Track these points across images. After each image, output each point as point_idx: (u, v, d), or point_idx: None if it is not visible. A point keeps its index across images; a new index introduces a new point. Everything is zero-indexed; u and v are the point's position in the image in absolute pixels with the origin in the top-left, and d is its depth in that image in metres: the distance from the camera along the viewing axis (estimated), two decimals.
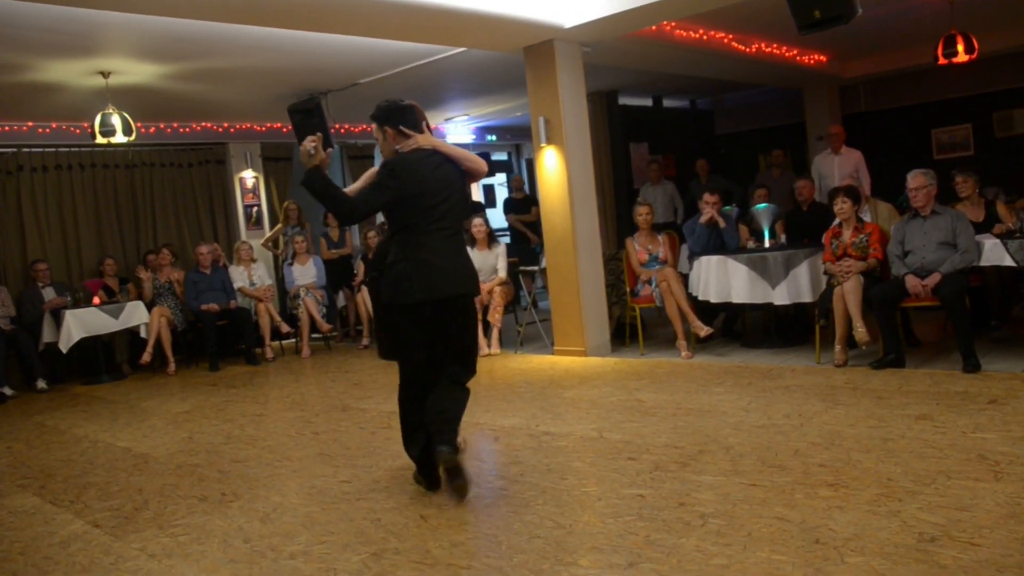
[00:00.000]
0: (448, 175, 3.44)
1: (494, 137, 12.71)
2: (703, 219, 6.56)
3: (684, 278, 6.42)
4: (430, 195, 3.36)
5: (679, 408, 4.64)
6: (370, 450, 4.42)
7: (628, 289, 6.83)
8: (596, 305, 6.83)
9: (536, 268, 7.77)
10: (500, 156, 13.34)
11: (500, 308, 7.34)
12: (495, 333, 7.32)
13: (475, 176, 3.55)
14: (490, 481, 3.65)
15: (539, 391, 5.51)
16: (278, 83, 7.70)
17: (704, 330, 6.12)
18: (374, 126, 3.50)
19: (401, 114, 3.46)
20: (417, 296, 3.31)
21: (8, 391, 7.35)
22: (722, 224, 6.53)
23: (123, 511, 3.76)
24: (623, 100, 10.65)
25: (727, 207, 6.80)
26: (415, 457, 3.54)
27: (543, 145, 6.75)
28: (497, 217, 12.66)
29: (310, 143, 3.26)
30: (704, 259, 6.23)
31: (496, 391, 5.72)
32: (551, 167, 6.77)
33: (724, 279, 6.04)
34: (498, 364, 6.78)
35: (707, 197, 6.64)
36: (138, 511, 3.74)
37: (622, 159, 10.48)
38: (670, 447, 3.88)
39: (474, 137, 12.37)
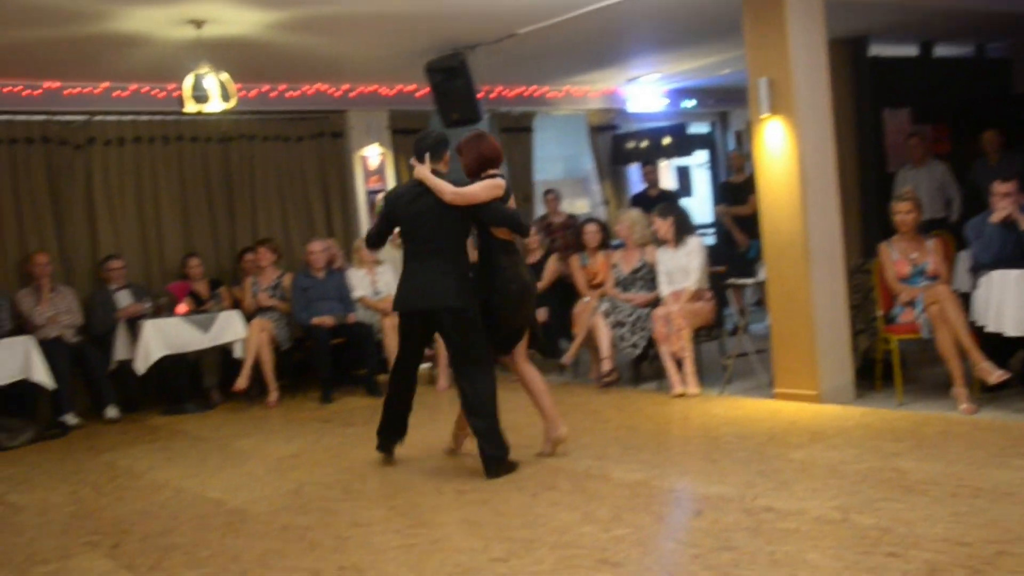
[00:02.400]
0: (426, 204, 5.37)
1: (693, 103, 12.57)
2: (994, 217, 6.31)
3: (964, 299, 6.26)
4: (407, 222, 5.48)
5: (961, 486, 4.43)
6: (531, 519, 4.43)
7: (881, 313, 6.70)
8: (835, 333, 6.67)
9: (750, 281, 7.65)
10: (700, 127, 13.18)
11: (685, 332, 7.23)
12: (688, 366, 7.22)
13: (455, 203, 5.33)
14: (694, 572, 3.58)
15: (755, 449, 5.45)
16: (413, 34, 7.93)
17: (995, 374, 5.95)
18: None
19: (416, 145, 5.56)
20: (395, 307, 5.63)
21: (72, 420, 7.94)
22: (1023, 224, 6.18)
23: None
24: (875, 50, 10.24)
25: None
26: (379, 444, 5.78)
27: (765, 115, 6.65)
28: (703, 208, 12.52)
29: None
30: (996, 274, 6.01)
31: (694, 446, 5.65)
32: (775, 145, 6.65)
33: None
34: (696, 409, 6.71)
35: (999, 186, 6.38)
36: None
37: (871, 132, 10.08)
38: (951, 543, 3.70)
39: (667, 102, 12.28)
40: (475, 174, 5.48)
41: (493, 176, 5.44)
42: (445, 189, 5.32)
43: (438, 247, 5.38)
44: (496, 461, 5.29)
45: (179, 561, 4.27)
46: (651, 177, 10.99)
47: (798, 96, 6.52)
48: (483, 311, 5.41)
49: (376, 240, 5.77)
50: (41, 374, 7.48)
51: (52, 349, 7.79)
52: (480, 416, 5.34)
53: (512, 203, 5.49)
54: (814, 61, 6.64)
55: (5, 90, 8.32)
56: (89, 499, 5.60)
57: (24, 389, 7.60)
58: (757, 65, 6.67)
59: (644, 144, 11.70)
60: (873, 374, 6.87)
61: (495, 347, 5.55)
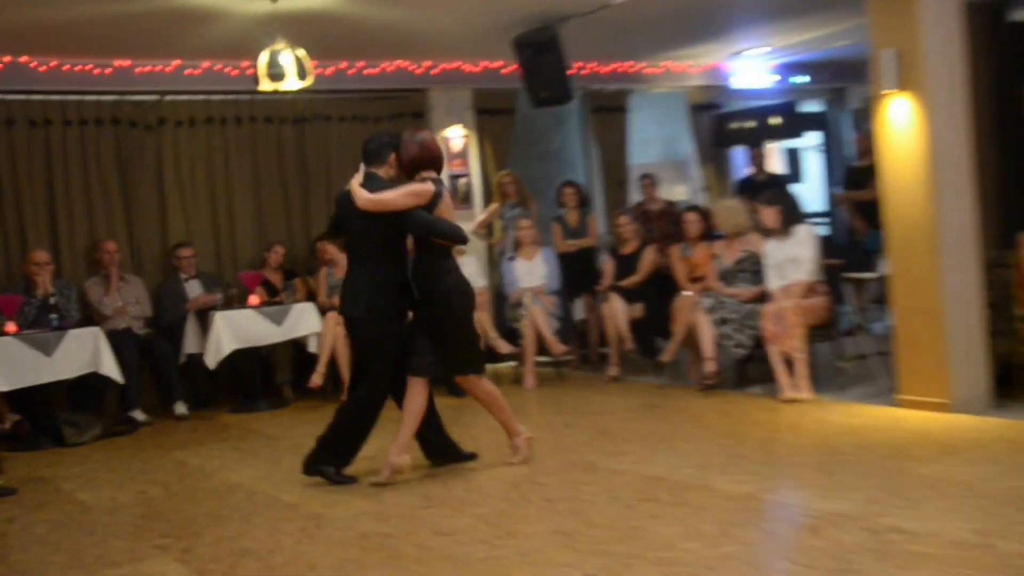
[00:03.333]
0: (355, 210, 5.50)
1: (805, 78, 12.30)
2: None
3: None
4: (345, 226, 5.77)
5: None
6: (629, 532, 4.40)
7: (1022, 312, 6.52)
8: (968, 335, 6.52)
9: (870, 275, 7.48)
10: (812, 106, 12.93)
11: (798, 331, 7.08)
12: (800, 368, 7.08)
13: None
14: None
15: (877, 462, 5.35)
16: (499, 6, 7.92)
17: None
18: None
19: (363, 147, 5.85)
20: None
21: (140, 416, 8.13)
22: None
23: None
24: (1017, 15, 9.88)
25: None
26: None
27: (889, 91, 6.52)
28: (816, 194, 12.28)
29: None
30: None
31: (808, 456, 5.57)
32: (901, 124, 6.53)
33: None
34: (808, 415, 6.60)
35: None
36: None
37: (1012, 109, 9.75)
38: None
39: (777, 78, 12.05)
40: (409, 176, 5.59)
41: (426, 180, 5.54)
42: (359, 195, 5.46)
43: (362, 254, 5.64)
44: (316, 467, 5.61)
45: (252, 568, 4.32)
46: (757, 161, 10.80)
47: (928, 69, 6.38)
48: (425, 323, 5.61)
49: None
50: (110, 367, 7.64)
51: (120, 341, 7.97)
52: (344, 425, 5.63)
53: (446, 208, 5.54)
54: (947, 29, 6.48)
55: (76, 69, 8.53)
56: (159, 499, 5.71)
57: (92, 383, 7.79)
58: (881, 35, 6.53)
59: (750, 124, 11.52)
60: (1013, 381, 6.69)
61: (448, 365, 5.70)
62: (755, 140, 11.23)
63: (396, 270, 5.65)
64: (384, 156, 5.67)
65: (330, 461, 5.62)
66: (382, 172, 5.65)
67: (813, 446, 5.80)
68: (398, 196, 5.45)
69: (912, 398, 6.55)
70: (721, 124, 11.88)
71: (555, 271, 9.01)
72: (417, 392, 5.58)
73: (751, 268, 7.69)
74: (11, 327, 7.36)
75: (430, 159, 5.62)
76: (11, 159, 8.45)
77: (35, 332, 7.46)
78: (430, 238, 5.52)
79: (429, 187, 5.48)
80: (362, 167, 5.66)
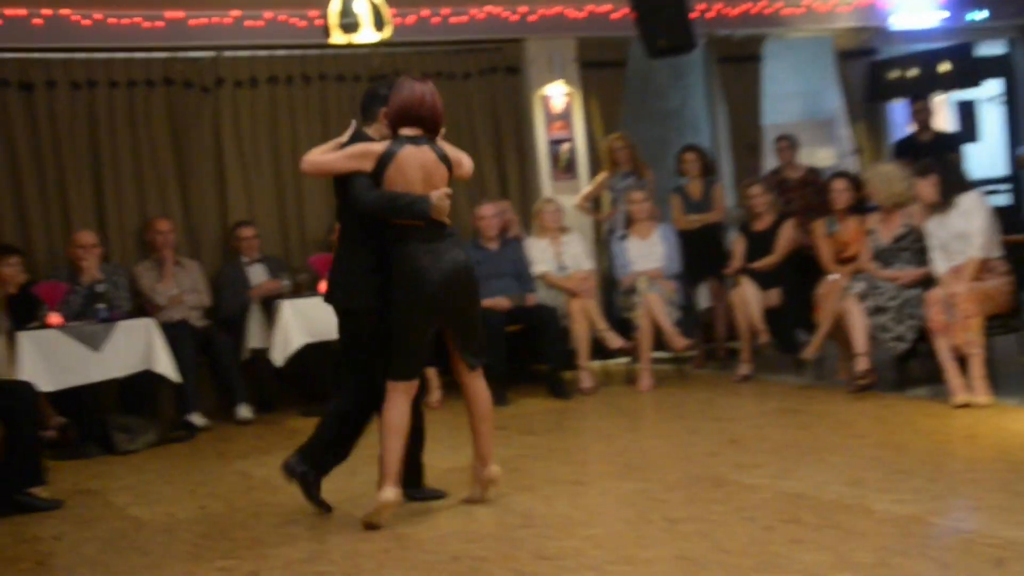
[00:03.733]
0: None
1: (983, 14, 11.94)
2: None
3: None
4: None
5: None
6: (767, 560, 4.35)
7: None
8: None
9: None
10: (992, 48, 12.54)
11: (974, 321, 6.93)
12: (976, 367, 6.96)
13: None
14: None
15: None
16: None
17: None
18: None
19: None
20: None
21: (199, 420, 8.29)
22: None
23: None
24: None
25: None
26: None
27: None
28: (995, 157, 11.95)
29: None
30: None
31: (987, 472, 5.45)
32: None
33: None
34: (986, 423, 6.48)
35: None
36: None
37: None
38: None
39: (946, 15, 11.73)
40: (394, 134, 5.34)
41: (399, 139, 5.28)
42: (305, 157, 5.43)
43: (341, 233, 5.58)
44: (295, 473, 5.58)
45: None
46: (922, 116, 10.56)
47: None
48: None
49: None
50: (165, 365, 7.81)
51: (176, 335, 8.14)
52: (328, 423, 5.68)
53: (397, 173, 5.19)
54: None
55: (123, 23, 8.73)
56: (221, 516, 5.81)
57: (145, 382, 7.97)
58: None
59: (913, 73, 11.27)
60: None
61: (391, 369, 5.33)
62: (919, 92, 10.98)
63: (366, 250, 5.39)
64: (374, 111, 5.49)
65: (303, 469, 5.62)
66: (373, 131, 5.47)
67: (993, 460, 5.68)
68: (340, 158, 5.31)
69: None
70: (877, 73, 11.64)
71: (675, 251, 8.98)
72: (475, 381, 5.50)
73: (913, 246, 7.53)
74: (55, 318, 7.56)
75: (409, 113, 5.28)
76: (52, 126, 8.70)
77: (82, 324, 7.66)
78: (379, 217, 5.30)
79: (376, 147, 5.25)
80: (353, 123, 5.54)
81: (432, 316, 5.28)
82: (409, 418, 5.32)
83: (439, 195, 5.17)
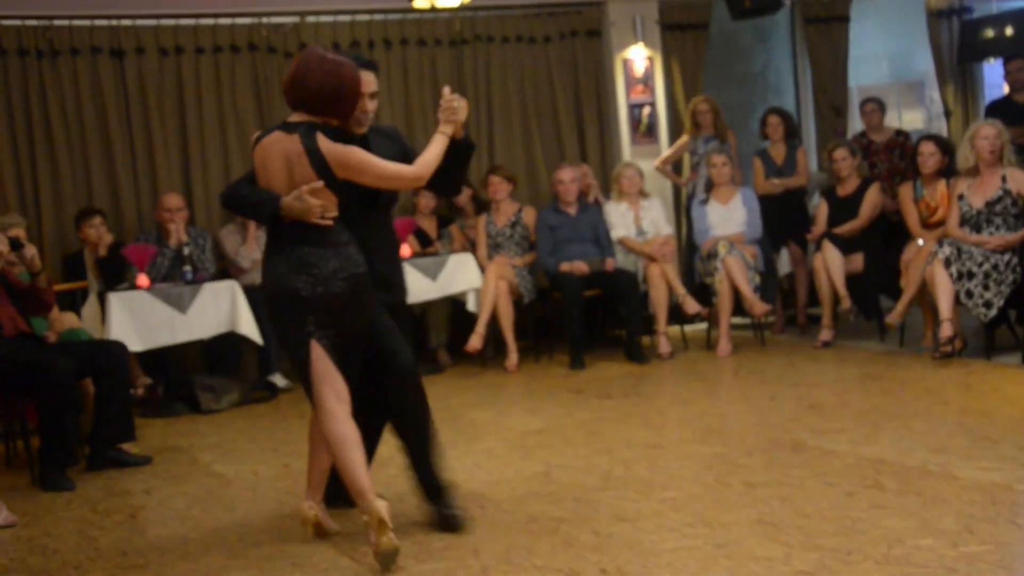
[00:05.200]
0: None
1: None
2: None
3: None
4: None
5: None
6: (847, 524, 4.35)
7: None
8: None
9: None
10: None
11: None
12: None
13: None
14: None
15: None
16: None
17: None
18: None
19: None
20: None
21: (280, 381, 8.45)
22: None
23: None
24: None
25: None
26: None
27: None
28: None
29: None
30: None
31: None
32: None
33: None
34: None
35: None
36: None
37: None
38: None
39: None
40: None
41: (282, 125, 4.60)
42: None
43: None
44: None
45: (409, 550, 4.43)
46: (1017, 77, 10.32)
47: None
48: None
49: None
50: (248, 326, 7.94)
51: (259, 298, 8.21)
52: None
53: (258, 163, 4.60)
54: None
55: None
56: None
57: (229, 344, 8.13)
58: None
59: (1009, 31, 10.99)
60: None
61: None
62: (1016, 51, 10.70)
63: (285, 237, 4.57)
64: None
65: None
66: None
67: None
68: None
69: None
70: (969, 32, 11.35)
71: (756, 216, 8.91)
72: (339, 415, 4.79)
73: (1008, 211, 7.38)
74: (144, 280, 7.72)
75: (288, 93, 4.59)
76: (141, 92, 8.88)
77: (168, 286, 7.82)
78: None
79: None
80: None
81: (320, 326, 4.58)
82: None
83: (296, 194, 4.41)
